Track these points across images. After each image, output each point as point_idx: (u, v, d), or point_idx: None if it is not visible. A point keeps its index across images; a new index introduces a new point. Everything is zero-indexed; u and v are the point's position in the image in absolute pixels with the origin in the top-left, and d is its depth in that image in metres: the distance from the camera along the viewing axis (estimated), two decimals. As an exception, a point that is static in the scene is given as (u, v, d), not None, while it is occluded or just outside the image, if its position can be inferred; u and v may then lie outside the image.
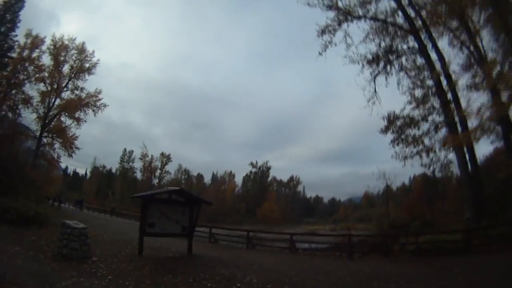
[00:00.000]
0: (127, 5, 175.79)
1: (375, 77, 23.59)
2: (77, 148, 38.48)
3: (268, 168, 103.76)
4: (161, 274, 9.34)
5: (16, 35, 31.65)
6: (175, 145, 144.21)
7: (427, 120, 22.50)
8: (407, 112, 23.03)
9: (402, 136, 22.87)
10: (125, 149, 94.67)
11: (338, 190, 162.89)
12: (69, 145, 37.69)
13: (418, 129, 22.60)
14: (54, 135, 37.74)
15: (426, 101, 22.65)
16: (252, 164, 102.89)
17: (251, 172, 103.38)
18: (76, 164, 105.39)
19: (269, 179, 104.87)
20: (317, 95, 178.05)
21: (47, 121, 36.85)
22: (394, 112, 23.23)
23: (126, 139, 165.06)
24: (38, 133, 36.49)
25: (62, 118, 38.38)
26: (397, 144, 22.96)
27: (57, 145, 38.10)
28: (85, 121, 38.77)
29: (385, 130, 23.42)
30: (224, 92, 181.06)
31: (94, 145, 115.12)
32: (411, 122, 22.67)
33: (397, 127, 23.02)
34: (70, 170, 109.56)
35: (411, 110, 23.00)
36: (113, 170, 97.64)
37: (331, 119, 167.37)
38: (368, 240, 19.93)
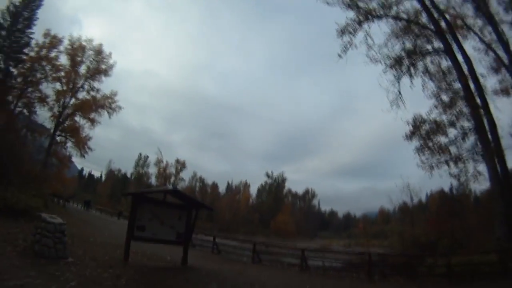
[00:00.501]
0: (149, 11, 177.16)
1: (399, 79, 21.26)
2: (90, 149, 38.27)
3: (284, 180, 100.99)
4: (139, 287, 7.76)
5: (33, 33, 32.43)
6: (192, 153, 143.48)
7: (455, 126, 20.13)
8: (434, 117, 20.75)
9: (429, 144, 20.53)
10: (140, 154, 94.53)
11: (353, 205, 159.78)
12: (81, 145, 37.44)
13: (446, 136, 20.26)
14: (67, 134, 37.44)
15: (454, 106, 20.27)
16: (267, 174, 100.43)
17: (266, 183, 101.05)
18: (92, 166, 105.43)
19: (285, 190, 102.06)
20: (335, 108, 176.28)
21: (61, 120, 36.48)
22: (420, 116, 20.95)
23: (144, 145, 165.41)
24: (51, 131, 36.35)
25: (76, 118, 38.05)
26: (423, 151, 20.63)
27: (69, 144, 38.06)
28: (99, 122, 38.64)
29: (410, 136, 21.00)
30: (243, 102, 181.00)
31: (112, 149, 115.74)
32: (438, 127, 20.32)
33: (424, 132, 20.70)
34: (85, 172, 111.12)
35: (438, 115, 20.70)
36: (128, 175, 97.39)
37: (348, 133, 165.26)
38: (389, 260, 17.74)
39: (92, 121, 37.96)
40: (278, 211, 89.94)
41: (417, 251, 18.65)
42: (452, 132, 20.24)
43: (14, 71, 31.88)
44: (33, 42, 32.96)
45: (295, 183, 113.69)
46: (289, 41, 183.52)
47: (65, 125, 37.15)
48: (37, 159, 33.32)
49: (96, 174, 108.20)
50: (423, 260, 15.67)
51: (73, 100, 37.46)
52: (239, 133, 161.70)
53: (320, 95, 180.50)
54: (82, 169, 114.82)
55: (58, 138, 37.36)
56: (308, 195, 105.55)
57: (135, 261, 11.49)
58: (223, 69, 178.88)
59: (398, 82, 21.27)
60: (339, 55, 21.95)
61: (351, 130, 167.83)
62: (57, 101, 36.17)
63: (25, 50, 32.25)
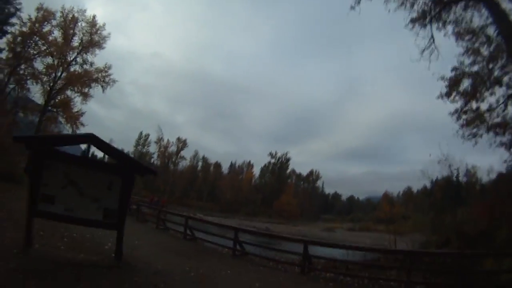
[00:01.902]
0: None
1: (430, 20, 15.73)
2: (82, 124, 35.92)
3: (288, 160, 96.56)
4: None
5: (20, 3, 30.58)
6: (196, 134, 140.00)
7: (501, 83, 14.81)
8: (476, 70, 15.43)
9: (468, 106, 15.39)
10: (141, 132, 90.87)
11: (356, 189, 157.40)
12: (73, 120, 35.32)
13: (491, 94, 15.00)
14: (58, 109, 35.46)
15: (496, 59, 14.88)
16: (271, 154, 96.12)
17: (269, 162, 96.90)
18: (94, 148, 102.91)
19: (288, 171, 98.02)
20: (341, 91, 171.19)
21: (52, 95, 34.52)
22: (460, 68, 15.73)
23: (148, 127, 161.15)
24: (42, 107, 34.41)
25: (68, 93, 36.12)
26: (462, 115, 15.58)
27: (61, 120, 36.21)
28: (92, 96, 36.49)
29: (446, 95, 15.94)
30: (249, 83, 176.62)
31: (117, 130, 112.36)
32: (481, 83, 15.08)
33: (464, 89, 15.51)
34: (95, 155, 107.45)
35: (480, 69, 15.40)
36: (131, 155, 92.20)
37: (354, 116, 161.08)
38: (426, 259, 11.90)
39: (85, 95, 35.83)
40: (281, 192, 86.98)
41: (461, 245, 13.08)
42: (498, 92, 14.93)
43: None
44: (25, 16, 31.61)
45: (299, 165, 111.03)
46: (297, 22, 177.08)
47: (56, 100, 35.28)
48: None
49: (100, 155, 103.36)
50: (480, 261, 10.12)
51: (64, 74, 35.14)
52: (244, 114, 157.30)
53: (327, 77, 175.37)
54: (84, 151, 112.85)
55: (49, 114, 35.18)
56: (312, 177, 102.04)
57: (46, 248, 7.63)
58: (229, 49, 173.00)
59: (430, 24, 15.81)
60: (352, 7, 16.31)
61: (356, 114, 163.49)
62: (47, 75, 34.19)
63: (12, 21, 30.71)
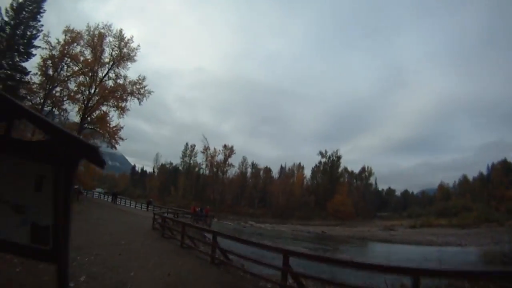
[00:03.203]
0: (185, 8, 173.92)
1: None
2: (121, 138, 36.01)
3: (339, 157, 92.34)
4: None
5: (42, 25, 31.91)
6: (243, 141, 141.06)
7: None
8: None
9: None
10: (186, 144, 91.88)
11: (409, 182, 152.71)
12: (111, 135, 35.29)
13: None
14: (95, 126, 35.46)
15: None
16: (321, 153, 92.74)
17: (320, 162, 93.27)
18: (146, 163, 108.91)
19: (340, 169, 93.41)
20: (386, 83, 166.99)
21: (87, 112, 34.29)
22: None
23: (196, 139, 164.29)
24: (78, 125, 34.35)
25: (104, 108, 36.01)
26: None
27: (99, 136, 35.89)
28: (128, 109, 35.76)
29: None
30: (291, 84, 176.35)
31: (165, 145, 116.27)
32: None
33: None
34: (138, 169, 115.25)
35: None
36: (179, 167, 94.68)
37: (401, 107, 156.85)
38: None
39: (122, 109, 35.31)
40: (334, 192, 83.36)
41: None
42: None
43: (24, 66, 31.07)
44: (53, 40, 32.24)
45: (350, 163, 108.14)
46: (332, 16, 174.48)
47: (92, 116, 35.14)
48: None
49: (150, 170, 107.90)
50: None
51: (97, 90, 35.00)
52: (290, 116, 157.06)
53: (369, 70, 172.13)
54: (134, 166, 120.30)
55: (86, 131, 35.17)
56: (365, 173, 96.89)
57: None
58: (267, 52, 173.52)
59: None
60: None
61: (403, 104, 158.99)
62: (81, 93, 34.53)
63: (35, 43, 31.49)
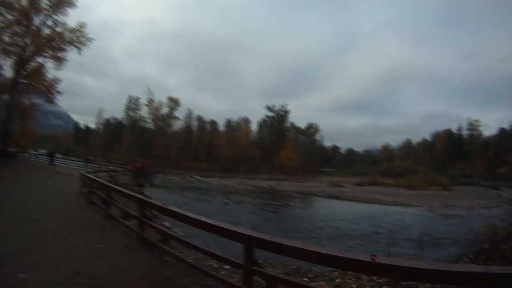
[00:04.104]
0: None
1: None
2: (59, 92, 32.75)
3: (286, 112, 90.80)
4: None
5: None
6: (191, 95, 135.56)
7: None
8: None
9: None
10: (130, 96, 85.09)
11: (354, 142, 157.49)
12: (48, 89, 31.97)
13: None
14: (30, 80, 31.74)
15: None
16: (269, 107, 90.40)
17: (268, 117, 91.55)
18: (91, 119, 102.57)
19: (287, 124, 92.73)
20: (339, 45, 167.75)
21: (21, 65, 30.54)
22: None
23: (142, 92, 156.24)
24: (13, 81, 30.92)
25: (40, 60, 32.21)
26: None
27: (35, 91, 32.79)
28: (67, 60, 32.14)
29: None
30: (243, 38, 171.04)
31: (110, 100, 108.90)
32: None
33: None
34: (82, 126, 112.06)
35: None
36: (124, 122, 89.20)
37: (352, 70, 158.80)
38: None
39: (59, 60, 31.52)
40: (281, 147, 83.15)
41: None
42: None
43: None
44: None
45: (297, 119, 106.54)
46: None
47: (27, 70, 31.43)
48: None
49: (94, 126, 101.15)
50: None
51: (33, 40, 30.79)
52: (239, 71, 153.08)
53: (324, 30, 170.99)
54: (77, 123, 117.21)
55: (21, 86, 31.75)
56: (311, 130, 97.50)
57: None
58: (218, 5, 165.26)
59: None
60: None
61: (354, 67, 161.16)
62: (15, 45, 30.14)
63: None
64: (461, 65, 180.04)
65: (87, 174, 14.85)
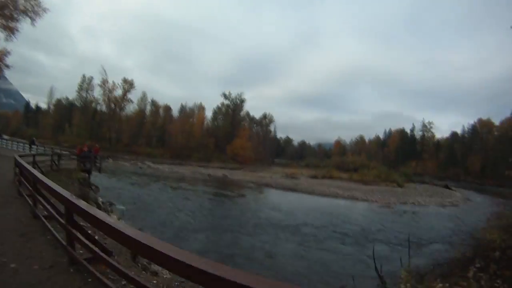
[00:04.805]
0: None
1: None
2: (7, 66, 30.01)
3: (242, 101, 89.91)
4: None
5: None
6: (147, 78, 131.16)
7: None
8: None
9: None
10: (84, 76, 79.37)
11: (307, 135, 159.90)
12: None
13: None
14: None
15: None
16: (224, 95, 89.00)
17: (223, 104, 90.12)
18: (43, 99, 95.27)
19: (242, 113, 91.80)
20: (299, 40, 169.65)
21: None
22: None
23: (97, 72, 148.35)
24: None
25: None
26: None
27: None
28: (18, 30, 28.96)
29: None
30: (204, 25, 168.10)
31: (65, 78, 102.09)
32: None
33: None
34: (33, 105, 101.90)
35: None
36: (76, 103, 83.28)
37: (310, 65, 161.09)
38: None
39: (11, 31, 28.56)
40: (234, 136, 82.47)
41: None
42: None
43: None
44: None
45: (252, 109, 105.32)
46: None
47: None
48: None
49: (43, 106, 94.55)
50: None
51: None
52: (198, 57, 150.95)
53: (286, 25, 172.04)
54: (28, 103, 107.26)
55: None
56: (265, 120, 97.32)
57: None
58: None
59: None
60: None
61: (312, 63, 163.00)
62: None
63: None
64: (418, 70, 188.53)
65: (18, 159, 11.68)
